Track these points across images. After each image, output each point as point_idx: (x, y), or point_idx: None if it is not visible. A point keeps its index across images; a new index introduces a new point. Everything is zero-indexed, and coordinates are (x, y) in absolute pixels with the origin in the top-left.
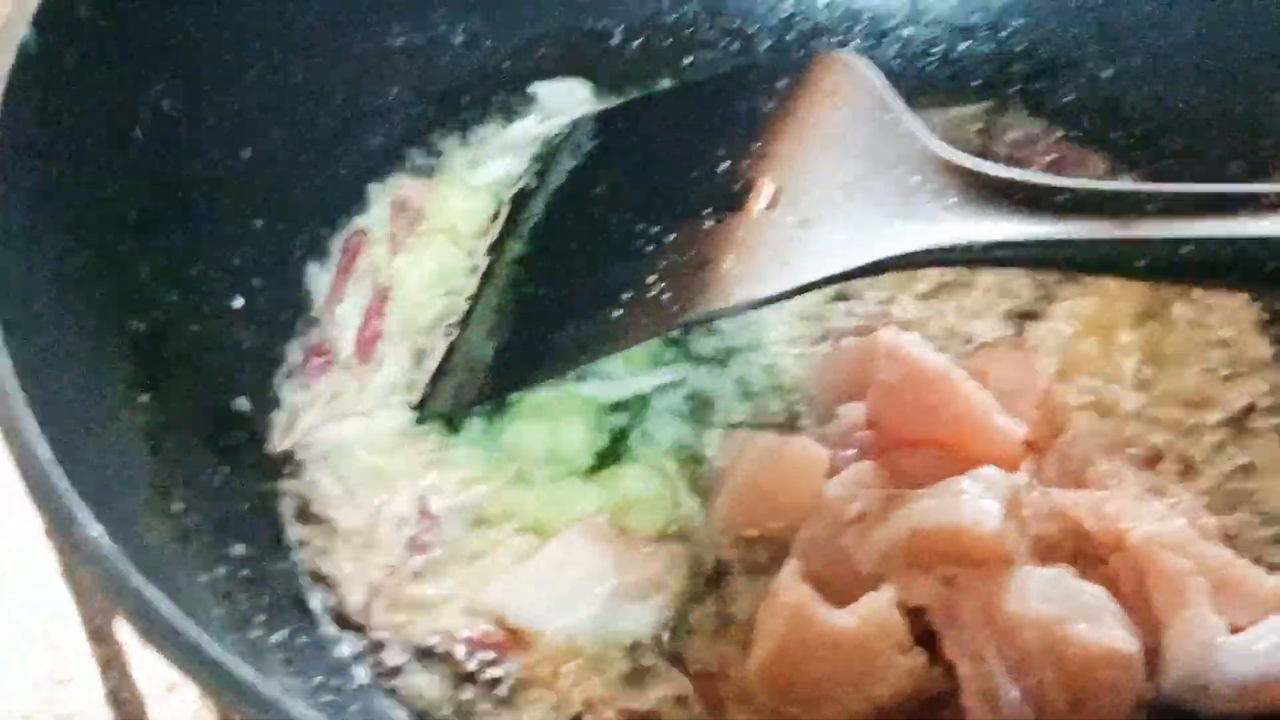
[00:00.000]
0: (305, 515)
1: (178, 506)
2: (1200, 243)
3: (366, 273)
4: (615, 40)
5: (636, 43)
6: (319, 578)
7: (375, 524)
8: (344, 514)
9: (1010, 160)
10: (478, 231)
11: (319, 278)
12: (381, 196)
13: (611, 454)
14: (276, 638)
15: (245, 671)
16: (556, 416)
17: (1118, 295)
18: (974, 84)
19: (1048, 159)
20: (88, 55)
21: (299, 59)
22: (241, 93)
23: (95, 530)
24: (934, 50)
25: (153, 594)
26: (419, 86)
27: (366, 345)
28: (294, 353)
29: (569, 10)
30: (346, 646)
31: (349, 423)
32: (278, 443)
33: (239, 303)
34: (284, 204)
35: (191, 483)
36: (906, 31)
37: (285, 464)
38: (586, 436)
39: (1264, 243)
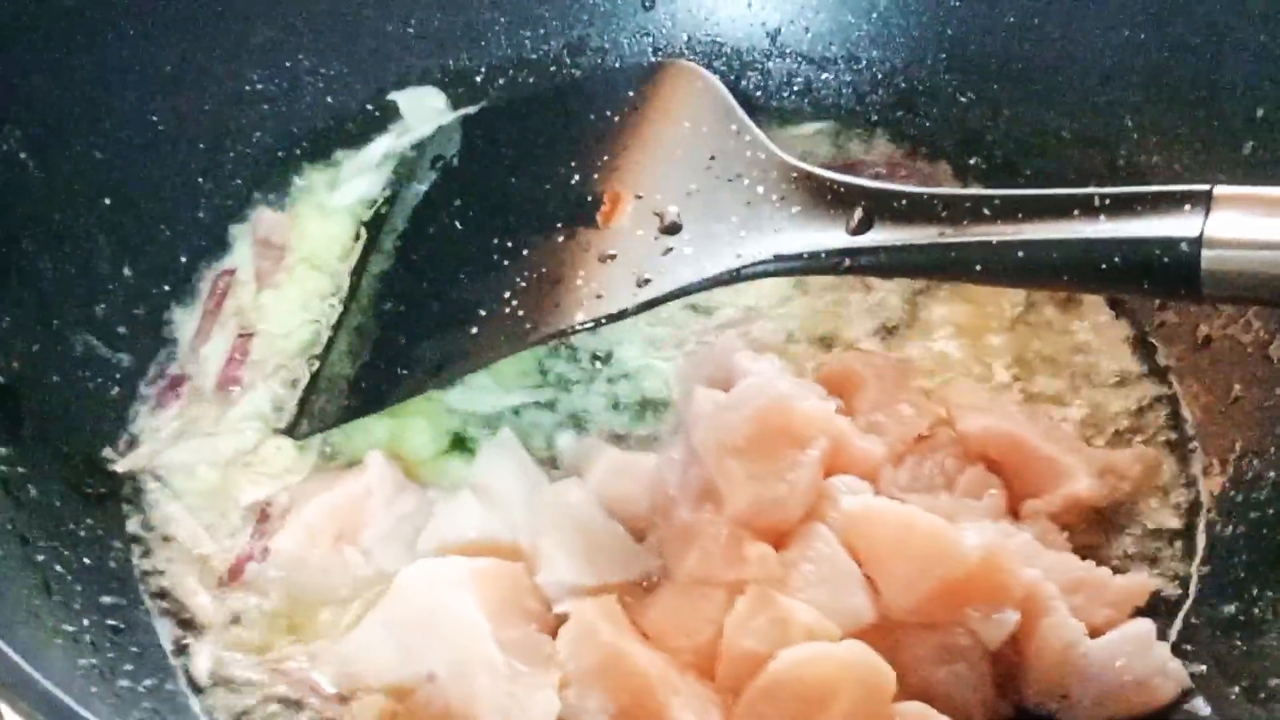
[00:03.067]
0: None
1: (41, 557)
2: (1033, 245)
3: (233, 314)
4: (479, 79)
5: (501, 80)
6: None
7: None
8: (185, 533)
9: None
10: (341, 254)
11: (185, 320)
12: (244, 235)
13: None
14: (145, 686)
15: None
16: (403, 416)
17: (987, 301)
18: (834, 113)
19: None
20: None
21: (157, 104)
22: (99, 139)
23: None
24: (795, 81)
25: (5, 645)
26: (279, 128)
27: (228, 382)
28: (153, 389)
29: (431, 49)
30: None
31: (193, 442)
32: (120, 465)
33: (103, 351)
34: (147, 250)
35: (55, 532)
36: (767, 64)
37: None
38: (429, 438)
39: (1094, 243)
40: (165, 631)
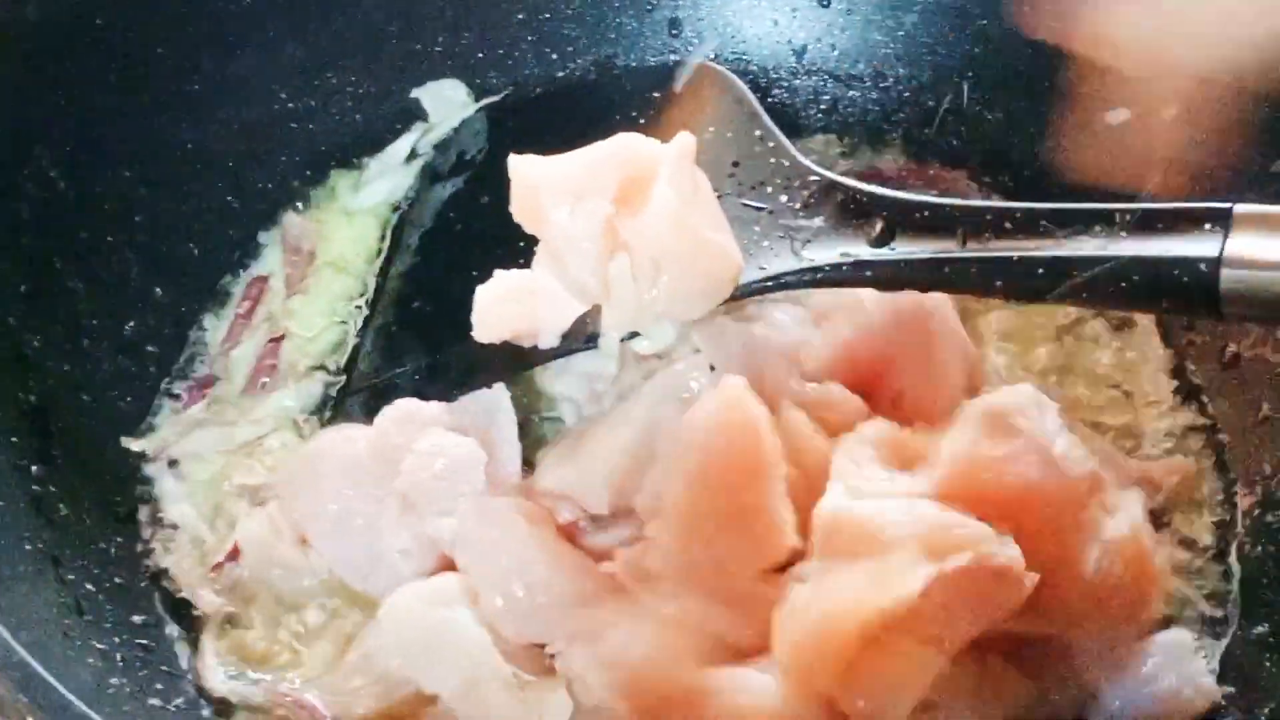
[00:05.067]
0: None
1: (72, 576)
2: (1053, 261)
3: (264, 319)
4: (506, 97)
5: (528, 99)
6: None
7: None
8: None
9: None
10: (366, 257)
11: (215, 326)
12: (274, 241)
13: None
14: (175, 705)
15: None
16: None
17: (1035, 312)
18: (859, 130)
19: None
20: None
21: (188, 124)
22: (129, 158)
23: None
24: (821, 99)
25: (38, 666)
26: (307, 146)
27: (257, 384)
28: (181, 386)
29: (459, 68)
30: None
31: (211, 431)
32: (135, 445)
33: (133, 369)
34: (176, 268)
35: (86, 551)
36: (794, 82)
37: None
38: None
39: (1113, 261)
40: (175, 631)
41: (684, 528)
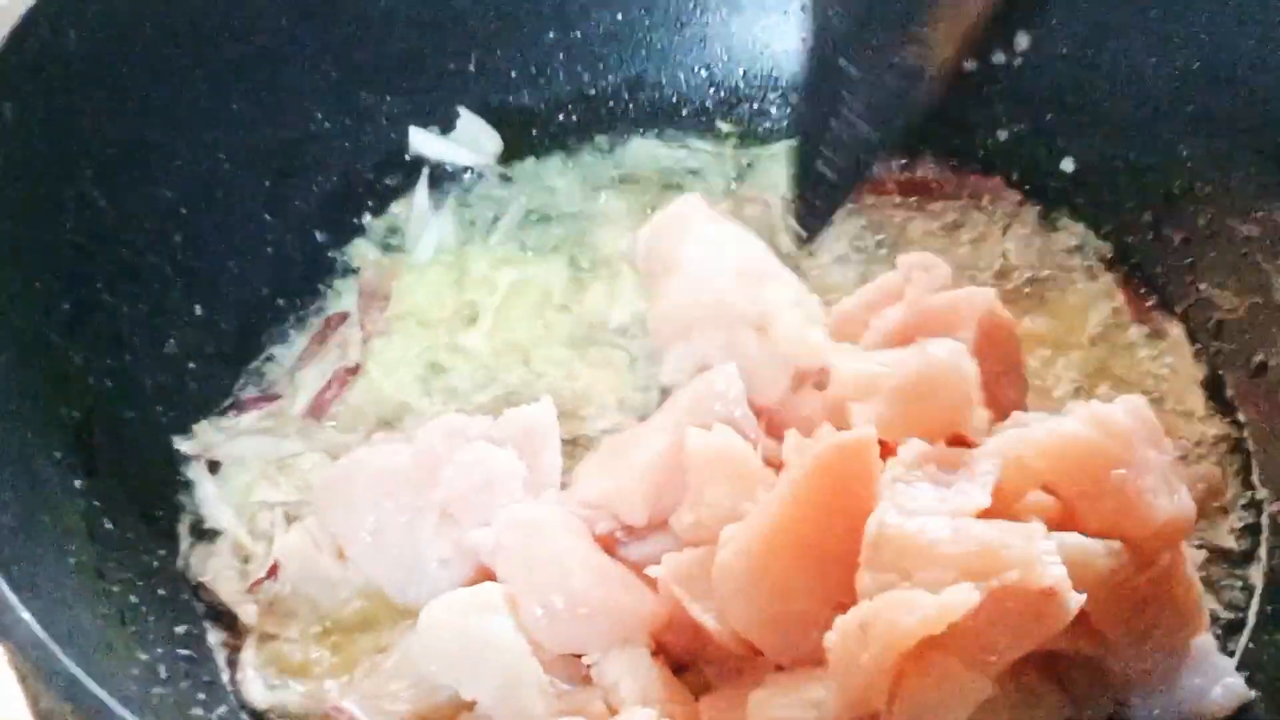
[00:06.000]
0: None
1: (116, 588)
2: None
3: (338, 345)
4: (539, 114)
5: (560, 116)
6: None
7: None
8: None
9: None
10: (446, 308)
11: (284, 348)
12: (350, 286)
13: None
14: (217, 715)
15: None
16: None
17: (1071, 316)
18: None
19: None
20: (11, 153)
21: (225, 143)
22: (169, 177)
23: (23, 615)
24: None
25: (83, 676)
26: (344, 165)
27: (318, 409)
28: (243, 396)
29: (492, 86)
30: None
31: (256, 439)
32: (183, 446)
33: (173, 386)
34: (215, 287)
35: (130, 564)
36: None
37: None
38: None
39: None
40: (216, 641)
41: (764, 554)
